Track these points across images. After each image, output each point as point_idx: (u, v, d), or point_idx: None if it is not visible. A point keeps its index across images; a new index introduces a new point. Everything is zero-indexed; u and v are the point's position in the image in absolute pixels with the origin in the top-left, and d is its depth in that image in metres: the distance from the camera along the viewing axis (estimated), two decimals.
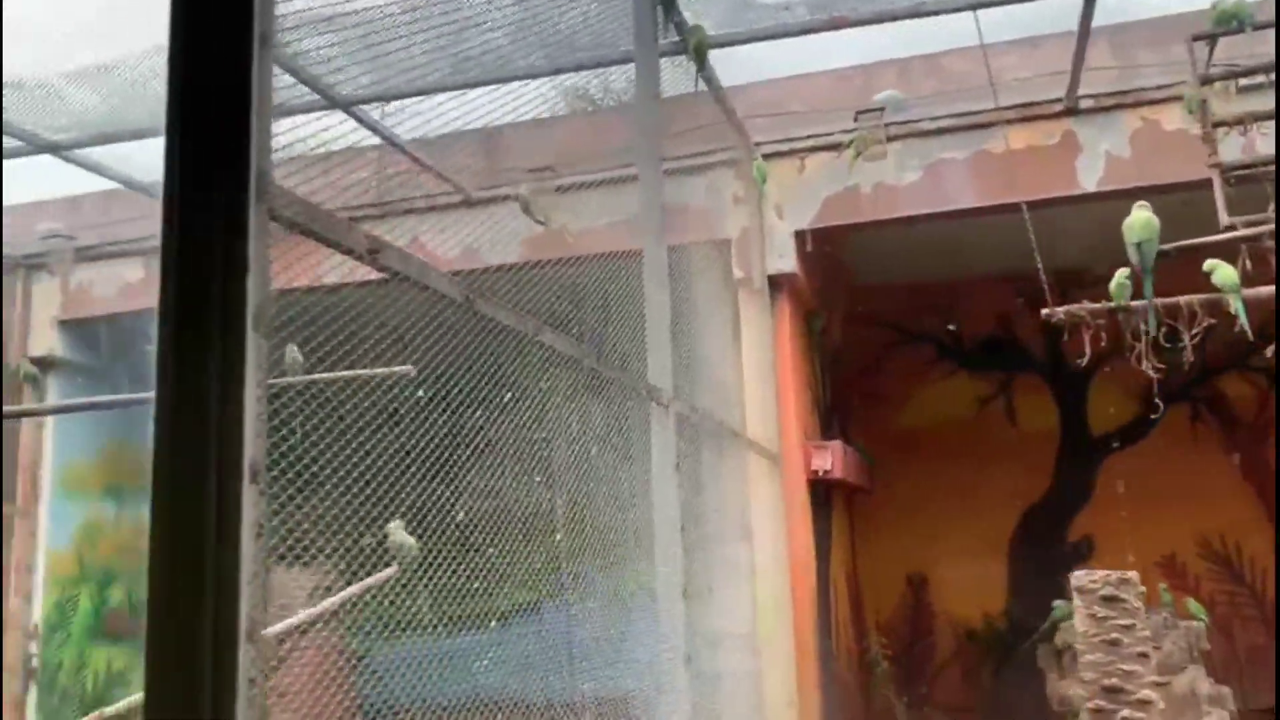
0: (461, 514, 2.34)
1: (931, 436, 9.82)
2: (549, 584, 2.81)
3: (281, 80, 2.03)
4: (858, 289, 9.51)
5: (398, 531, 3.07)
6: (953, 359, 10.12)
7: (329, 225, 2.15)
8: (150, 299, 7.47)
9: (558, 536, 2.86)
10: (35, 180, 8.54)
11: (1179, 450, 9.25)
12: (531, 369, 2.94)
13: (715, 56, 5.88)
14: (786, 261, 6.92)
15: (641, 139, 4.70)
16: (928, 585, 9.81)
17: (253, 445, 1.76)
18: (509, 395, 2.74)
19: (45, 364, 8.51)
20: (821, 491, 7.48)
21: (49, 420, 8.53)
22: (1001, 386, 9.94)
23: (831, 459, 6.94)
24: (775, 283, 6.95)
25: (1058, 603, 8.08)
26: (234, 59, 1.84)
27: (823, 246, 7.21)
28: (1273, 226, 4.34)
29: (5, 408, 6.92)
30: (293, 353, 6.55)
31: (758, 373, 6.73)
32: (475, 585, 2.35)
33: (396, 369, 6.08)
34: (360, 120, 5.75)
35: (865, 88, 6.94)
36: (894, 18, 5.64)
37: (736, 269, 6.82)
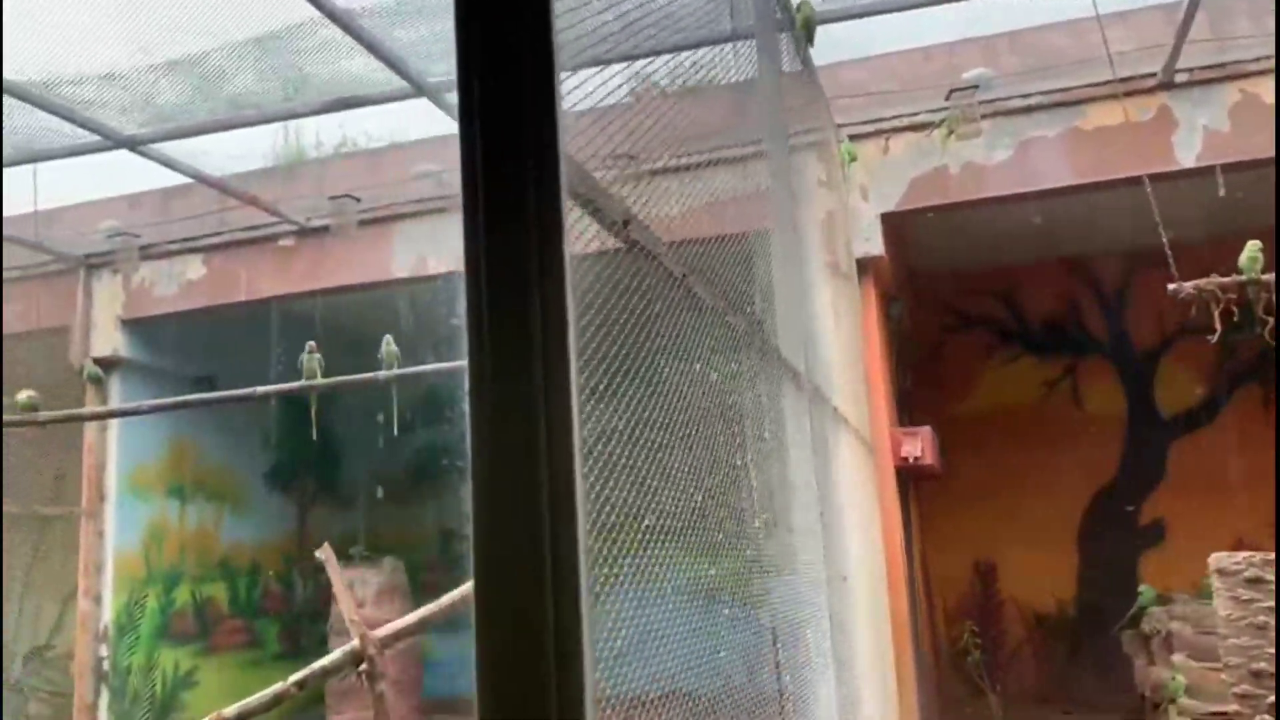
0: (699, 495, 2.24)
1: (996, 421, 9.70)
2: (755, 567, 2.71)
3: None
4: (918, 274, 9.39)
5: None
6: (1016, 343, 9.99)
7: (597, 193, 2.04)
8: (212, 297, 7.39)
9: (757, 521, 2.77)
10: (95, 177, 8.45)
11: (1251, 432, 9.12)
12: (723, 349, 2.84)
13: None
14: (873, 245, 6.80)
15: (767, 116, 4.58)
16: (996, 572, 9.69)
17: (578, 418, 1.64)
18: (715, 375, 2.63)
19: (109, 364, 8.41)
20: (905, 479, 7.38)
21: (113, 421, 8.43)
22: (1067, 370, 9.81)
23: (921, 445, 6.84)
24: (862, 267, 6.83)
25: (1143, 588, 7.97)
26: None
27: (896, 231, 7.09)
28: None
29: (88, 409, 6.81)
30: (389, 345, 6.43)
31: (848, 358, 6.62)
32: (701, 565, 2.25)
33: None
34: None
35: (950, 66, 6.81)
36: None
37: (824, 253, 6.69)
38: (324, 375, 6.52)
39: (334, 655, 4.66)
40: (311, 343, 6.45)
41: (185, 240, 8.18)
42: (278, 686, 4.56)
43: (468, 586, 3.91)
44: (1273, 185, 5.65)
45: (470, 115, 1.68)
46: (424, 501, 11.72)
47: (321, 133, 8.74)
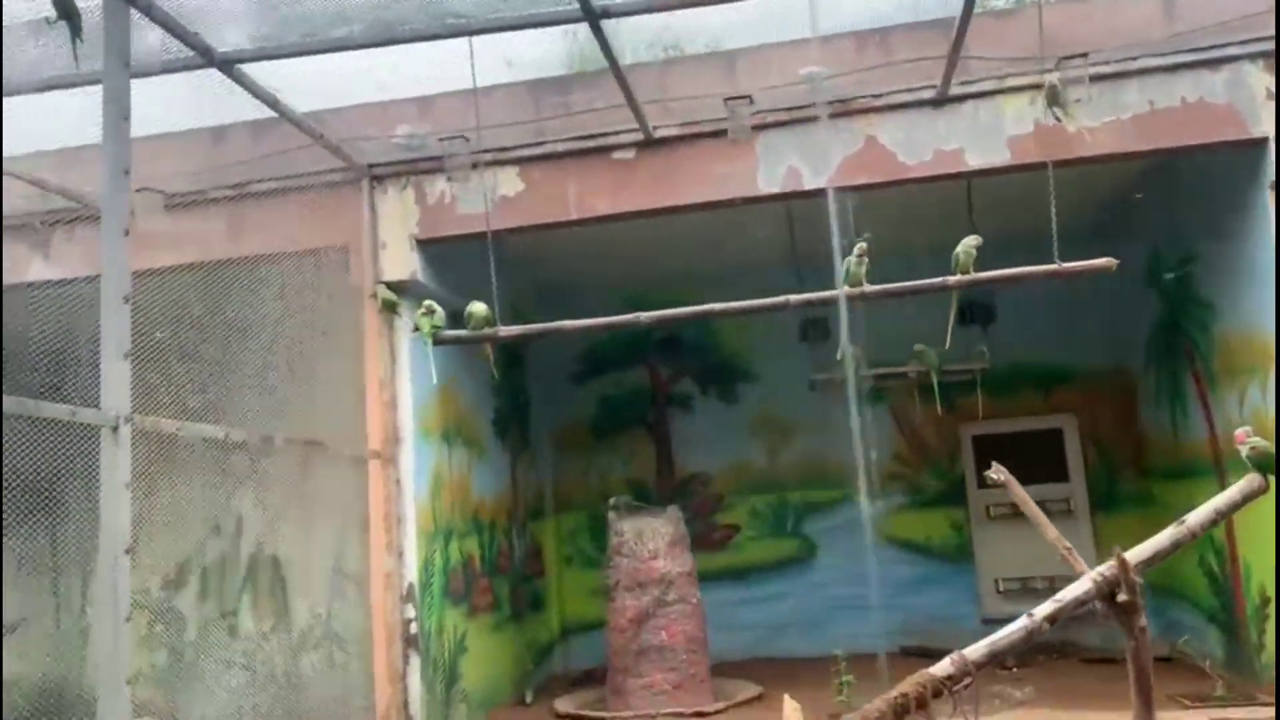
0: None
1: None
2: None
3: None
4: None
5: None
6: None
7: None
8: (532, 215, 6.61)
9: None
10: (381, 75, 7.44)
11: None
12: None
13: None
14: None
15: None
16: None
17: None
18: None
19: (401, 290, 7.42)
20: None
21: (403, 355, 7.46)
22: None
23: None
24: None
25: None
26: None
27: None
28: None
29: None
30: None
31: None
32: None
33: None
34: None
35: None
36: None
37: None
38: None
39: (1082, 586, 4.07)
40: (863, 243, 5.73)
41: (497, 150, 7.25)
42: (1024, 621, 3.96)
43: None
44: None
45: None
46: (612, 452, 11.02)
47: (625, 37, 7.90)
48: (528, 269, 9.07)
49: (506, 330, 5.72)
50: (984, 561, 10.20)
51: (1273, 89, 6.46)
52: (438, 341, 5.84)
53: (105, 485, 4.38)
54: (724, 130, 6.99)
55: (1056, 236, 5.89)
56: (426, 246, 7.47)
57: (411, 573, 7.23)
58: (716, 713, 7.63)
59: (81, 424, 4.37)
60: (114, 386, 4.48)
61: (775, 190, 7.00)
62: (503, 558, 9.20)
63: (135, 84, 4.97)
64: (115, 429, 4.42)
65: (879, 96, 6.92)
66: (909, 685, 3.83)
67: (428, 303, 5.99)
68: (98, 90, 5.42)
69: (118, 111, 4.72)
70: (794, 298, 5.53)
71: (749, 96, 6.55)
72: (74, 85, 5.20)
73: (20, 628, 5.98)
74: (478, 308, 5.78)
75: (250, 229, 7.33)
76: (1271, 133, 6.42)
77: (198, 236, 7.30)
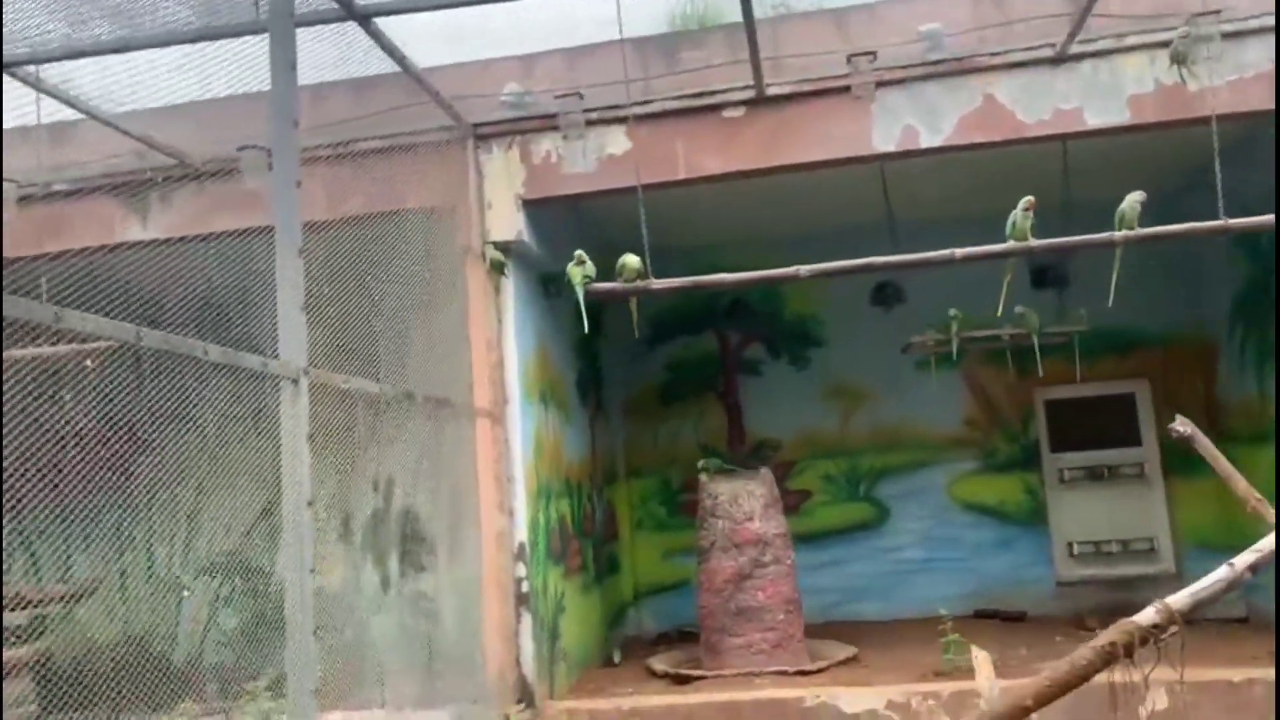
0: None
1: None
2: None
3: None
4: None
5: None
6: None
7: None
8: (639, 174, 6.56)
9: None
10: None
11: None
12: None
13: None
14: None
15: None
16: None
17: None
18: None
19: (507, 250, 7.39)
20: None
21: (509, 315, 7.44)
22: None
23: None
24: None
25: None
26: None
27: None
28: None
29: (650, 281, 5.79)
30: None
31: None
32: None
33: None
34: None
35: None
36: None
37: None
38: None
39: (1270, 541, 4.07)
40: (1029, 198, 5.70)
41: (602, 109, 7.19)
42: (1224, 572, 3.96)
43: None
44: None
45: None
46: (681, 418, 11.03)
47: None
48: (599, 231, 9.00)
49: (660, 283, 5.68)
50: (1058, 525, 10.25)
51: None
52: (590, 293, 5.80)
53: (286, 437, 4.38)
54: (837, 88, 6.95)
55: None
56: (531, 207, 7.42)
57: (522, 532, 7.25)
58: (819, 671, 7.68)
59: (261, 375, 4.35)
60: (291, 339, 4.46)
61: (891, 149, 6.96)
62: (588, 520, 9.23)
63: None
64: (296, 381, 4.41)
65: (997, 54, 6.88)
66: (1115, 634, 3.84)
67: (579, 253, 5.96)
68: (195, 47, 5.40)
69: (284, 60, 4.67)
70: (959, 251, 5.49)
71: (873, 52, 6.50)
72: (226, 35, 5.13)
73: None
74: (631, 260, 5.75)
75: (357, 187, 7.28)
76: None
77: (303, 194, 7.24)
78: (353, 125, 7.45)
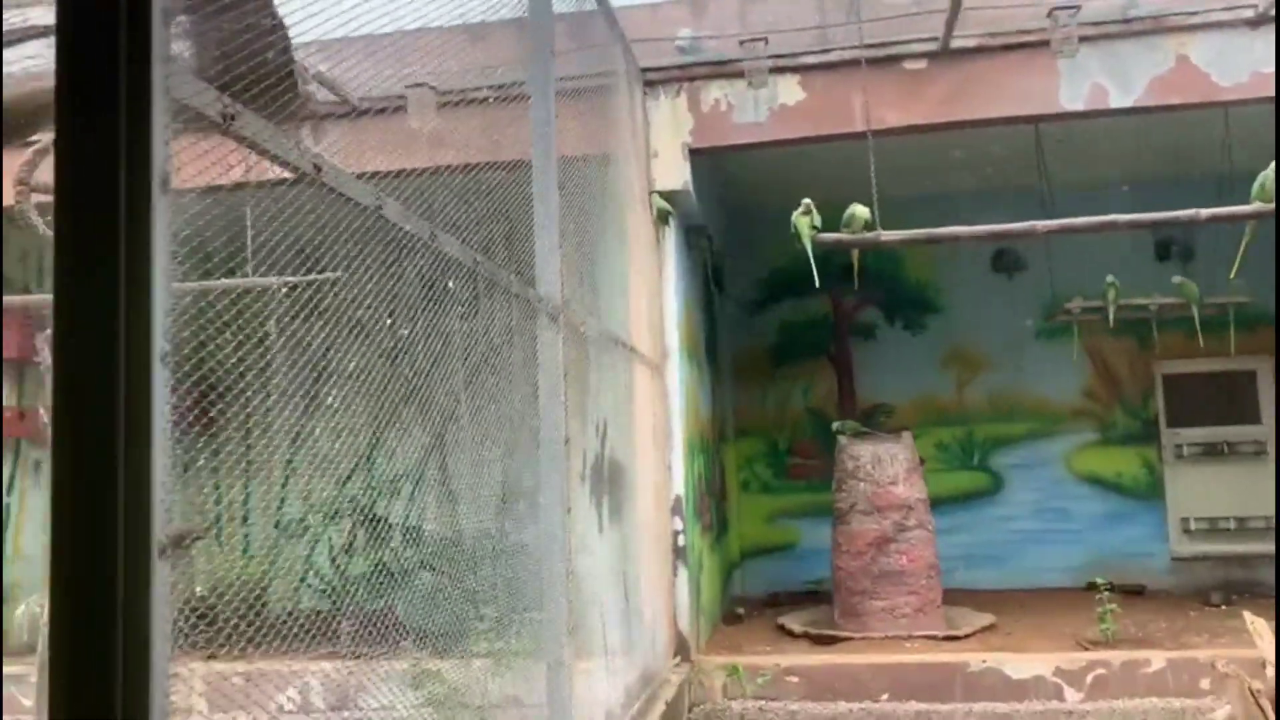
0: None
1: None
2: None
3: None
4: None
5: None
6: None
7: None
8: (815, 126, 6.43)
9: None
10: None
11: None
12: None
13: None
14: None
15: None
16: None
17: None
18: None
19: (673, 200, 7.26)
20: None
21: (670, 267, 7.33)
22: None
23: None
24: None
25: None
26: None
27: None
28: None
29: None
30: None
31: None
32: None
33: None
34: None
35: None
36: None
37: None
38: None
39: None
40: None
41: (780, 56, 7.02)
42: None
43: None
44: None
45: None
46: (791, 380, 10.93)
47: None
48: (714, 191, 8.83)
49: (889, 235, 5.56)
50: (1174, 500, 10.15)
51: None
52: (818, 243, 5.67)
53: (545, 373, 4.28)
54: (1024, 44, 6.76)
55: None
56: (697, 156, 7.28)
57: (679, 485, 7.19)
58: (965, 636, 7.63)
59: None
60: (549, 276, 4.36)
61: (1079, 108, 6.79)
62: (715, 479, 9.16)
63: None
64: (555, 317, 4.32)
65: (1193, 14, 6.68)
66: None
67: (806, 201, 5.83)
68: None
69: None
70: (1204, 211, 5.35)
71: (1077, 6, 6.32)
72: None
73: None
74: (860, 210, 5.62)
75: (518, 133, 7.13)
76: None
77: (468, 137, 7.11)
78: (513, 67, 7.31)
